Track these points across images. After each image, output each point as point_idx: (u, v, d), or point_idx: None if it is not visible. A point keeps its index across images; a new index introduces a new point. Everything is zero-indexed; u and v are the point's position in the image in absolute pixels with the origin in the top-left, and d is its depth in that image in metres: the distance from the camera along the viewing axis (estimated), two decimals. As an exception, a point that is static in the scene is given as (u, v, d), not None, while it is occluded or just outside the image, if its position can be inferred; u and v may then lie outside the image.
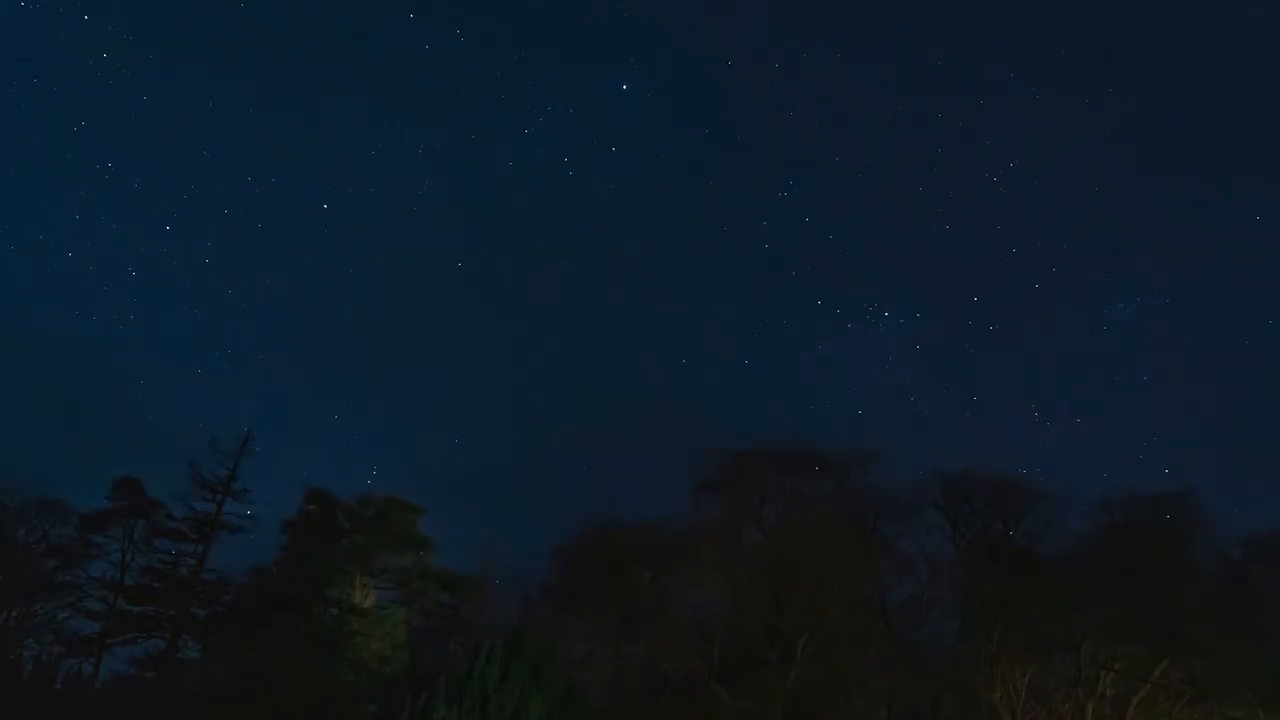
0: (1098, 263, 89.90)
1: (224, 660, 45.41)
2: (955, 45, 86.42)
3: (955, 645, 41.30)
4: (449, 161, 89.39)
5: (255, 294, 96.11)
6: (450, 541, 48.71)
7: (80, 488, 49.73)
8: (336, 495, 48.50)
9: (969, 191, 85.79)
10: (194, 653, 47.64)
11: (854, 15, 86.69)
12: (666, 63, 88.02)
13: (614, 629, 43.61)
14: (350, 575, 44.90)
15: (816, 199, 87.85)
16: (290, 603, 43.91)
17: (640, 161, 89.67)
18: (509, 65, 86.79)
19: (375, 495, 48.22)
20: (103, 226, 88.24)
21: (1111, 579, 37.64)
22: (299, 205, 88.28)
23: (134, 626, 47.28)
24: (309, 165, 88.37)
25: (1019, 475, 45.20)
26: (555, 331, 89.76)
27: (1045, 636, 37.58)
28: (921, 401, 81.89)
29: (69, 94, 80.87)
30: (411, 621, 45.34)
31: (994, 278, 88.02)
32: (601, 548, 44.57)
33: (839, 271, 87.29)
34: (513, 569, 48.03)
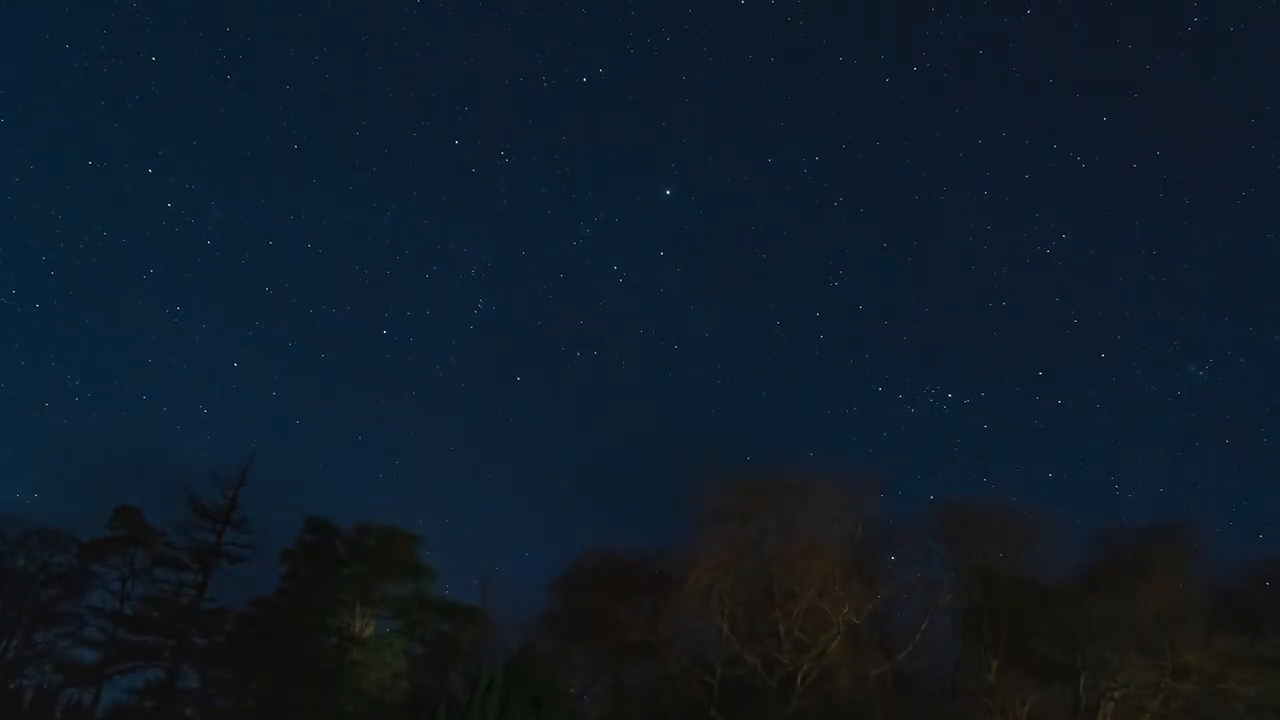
0: (1163, 326, 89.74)
1: (223, 690, 45.35)
2: (991, 129, 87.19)
3: (955, 674, 41.30)
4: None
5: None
6: (450, 570, 48.76)
7: (80, 516, 49.48)
8: (336, 524, 48.55)
9: (1021, 268, 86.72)
10: (194, 682, 47.44)
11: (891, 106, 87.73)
12: (707, 165, 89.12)
13: (614, 659, 43.58)
14: (350, 605, 44.91)
15: (867, 287, 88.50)
16: (290, 632, 43.88)
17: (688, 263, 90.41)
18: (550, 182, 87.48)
19: (375, 524, 48.24)
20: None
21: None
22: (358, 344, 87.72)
23: (134, 656, 47.13)
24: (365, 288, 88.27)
25: (1016, 504, 45.35)
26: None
27: (1044, 665, 37.59)
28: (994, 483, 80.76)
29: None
30: (411, 651, 45.30)
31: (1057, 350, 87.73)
32: (601, 577, 44.62)
33: (897, 356, 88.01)
34: (513, 598, 48.22)
